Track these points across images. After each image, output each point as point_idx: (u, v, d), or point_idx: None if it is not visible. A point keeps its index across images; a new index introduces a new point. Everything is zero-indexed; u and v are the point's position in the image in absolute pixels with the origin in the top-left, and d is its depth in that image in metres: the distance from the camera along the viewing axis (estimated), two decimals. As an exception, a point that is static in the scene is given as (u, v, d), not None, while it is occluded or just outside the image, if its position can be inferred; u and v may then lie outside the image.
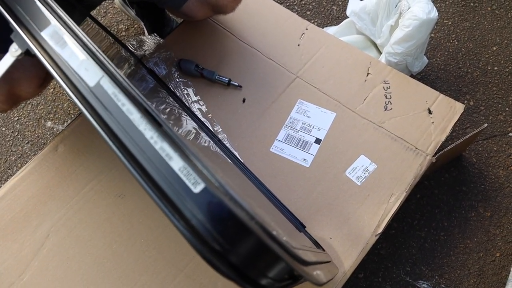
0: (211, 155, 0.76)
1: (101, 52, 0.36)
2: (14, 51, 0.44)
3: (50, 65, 0.37)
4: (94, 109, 0.33)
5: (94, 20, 0.72)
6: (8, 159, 1.00)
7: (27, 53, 0.42)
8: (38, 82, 0.64)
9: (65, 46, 0.36)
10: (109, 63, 0.35)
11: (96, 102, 0.33)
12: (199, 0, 0.73)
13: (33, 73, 0.61)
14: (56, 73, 0.36)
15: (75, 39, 0.36)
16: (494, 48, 1.05)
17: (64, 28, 0.37)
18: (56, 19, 0.38)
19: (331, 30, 1.05)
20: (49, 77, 0.68)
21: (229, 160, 0.74)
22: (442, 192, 0.90)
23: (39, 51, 0.38)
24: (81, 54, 0.35)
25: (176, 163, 0.28)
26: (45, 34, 0.38)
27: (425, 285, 0.81)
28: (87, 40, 0.37)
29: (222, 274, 0.27)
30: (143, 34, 1.11)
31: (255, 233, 0.26)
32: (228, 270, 0.27)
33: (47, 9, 0.39)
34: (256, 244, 0.27)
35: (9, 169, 0.99)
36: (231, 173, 0.74)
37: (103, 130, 0.32)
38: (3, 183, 0.79)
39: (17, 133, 1.02)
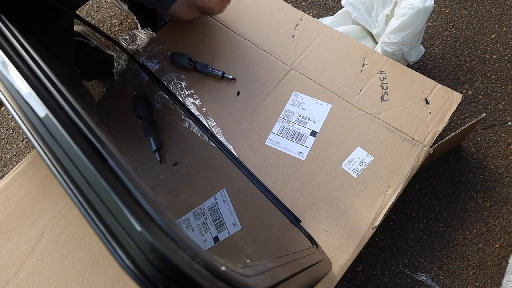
0: (201, 152, 0.75)
1: (53, 80, 0.35)
2: None
3: (2, 93, 0.35)
4: (44, 140, 0.32)
5: (81, 20, 0.71)
6: (3, 157, 0.99)
7: None
8: None
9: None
10: (58, 93, 0.33)
11: (46, 133, 0.32)
12: (186, 3, 0.73)
13: None
14: (8, 101, 0.35)
15: (19, 70, 0.35)
16: (493, 36, 1.04)
17: (9, 58, 0.36)
18: (1, 50, 0.36)
19: (326, 20, 1.03)
20: None
21: (224, 155, 0.73)
22: (441, 183, 0.89)
23: None
24: (25, 88, 0.34)
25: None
26: None
27: (424, 277, 0.80)
28: (38, 69, 0.35)
29: None
30: (137, 28, 1.10)
31: (195, 279, 0.25)
32: None
33: None
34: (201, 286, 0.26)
35: (4, 167, 0.98)
36: (224, 169, 0.73)
37: (51, 162, 0.31)
38: (-2, 181, 0.79)
39: (11, 131, 1.02)
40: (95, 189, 0.28)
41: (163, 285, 0.24)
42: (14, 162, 0.98)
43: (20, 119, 0.34)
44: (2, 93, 0.35)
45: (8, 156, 0.99)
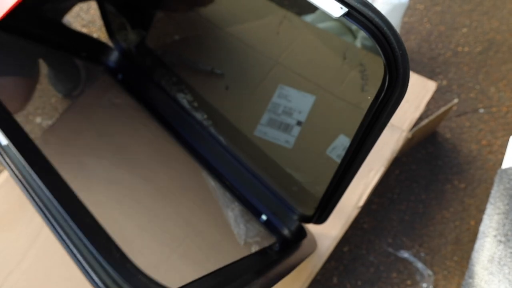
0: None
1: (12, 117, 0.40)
2: None
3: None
4: (8, 165, 0.37)
5: (65, 29, 0.76)
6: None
7: None
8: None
9: None
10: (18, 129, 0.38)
11: (7, 160, 0.37)
12: None
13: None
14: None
15: None
16: (464, 30, 1.10)
17: None
18: None
19: (308, 18, 1.08)
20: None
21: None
22: (420, 168, 0.95)
23: None
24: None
25: None
26: None
27: (407, 255, 0.86)
28: None
29: None
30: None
31: None
32: None
33: None
34: None
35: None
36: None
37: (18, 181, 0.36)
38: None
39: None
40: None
41: None
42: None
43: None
44: None
45: None
